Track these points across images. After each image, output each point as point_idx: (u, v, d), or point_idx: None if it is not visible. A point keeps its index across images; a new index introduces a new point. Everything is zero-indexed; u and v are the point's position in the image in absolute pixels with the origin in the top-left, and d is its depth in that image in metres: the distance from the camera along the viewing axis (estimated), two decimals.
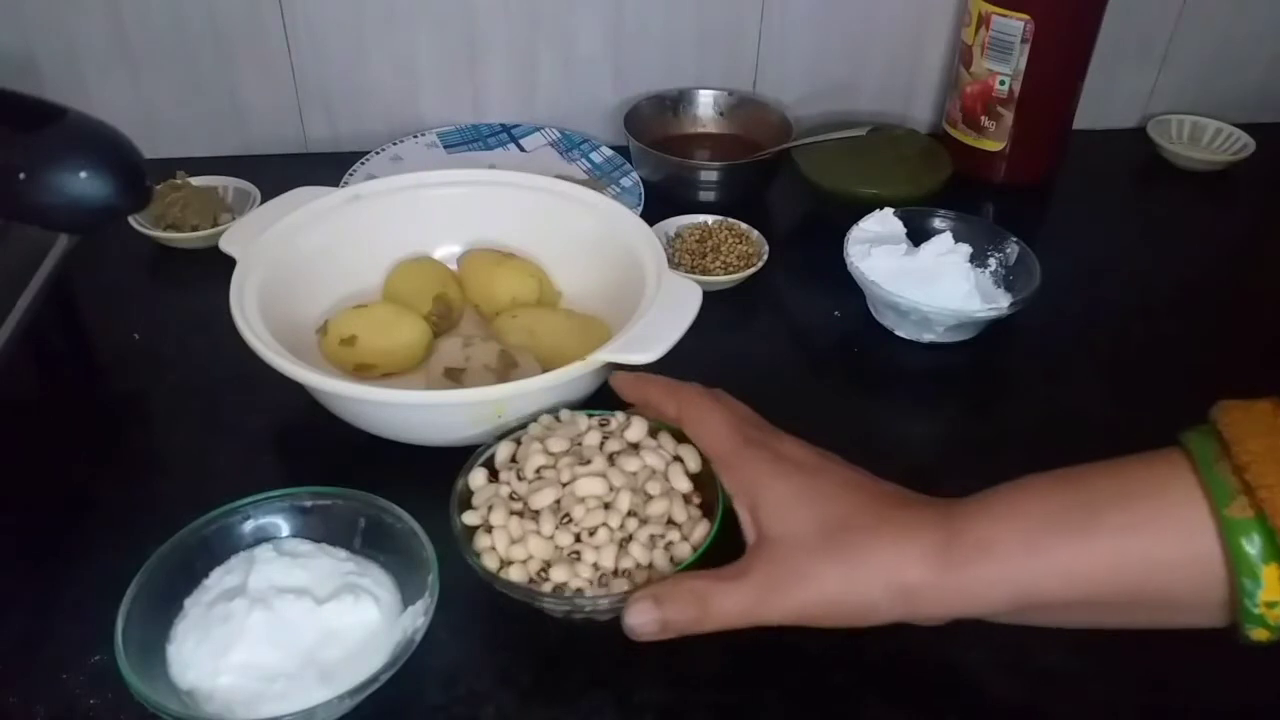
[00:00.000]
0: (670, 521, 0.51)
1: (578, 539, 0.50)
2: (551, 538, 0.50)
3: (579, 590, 0.49)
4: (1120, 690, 0.50)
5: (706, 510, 0.52)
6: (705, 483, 0.53)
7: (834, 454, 0.50)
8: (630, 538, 0.50)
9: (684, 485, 0.52)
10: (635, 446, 0.54)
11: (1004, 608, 0.43)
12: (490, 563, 0.50)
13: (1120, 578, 0.41)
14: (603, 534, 0.50)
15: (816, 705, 0.49)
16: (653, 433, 0.54)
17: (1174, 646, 0.52)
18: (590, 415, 0.56)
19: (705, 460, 0.53)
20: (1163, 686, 0.51)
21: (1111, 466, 0.43)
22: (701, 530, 0.51)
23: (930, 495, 0.48)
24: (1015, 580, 0.42)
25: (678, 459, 0.53)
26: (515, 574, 0.49)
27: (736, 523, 0.49)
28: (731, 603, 0.45)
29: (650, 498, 0.51)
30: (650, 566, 0.50)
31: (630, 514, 0.51)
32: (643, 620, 0.46)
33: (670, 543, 0.50)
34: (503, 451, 0.55)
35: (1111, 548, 0.41)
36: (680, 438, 0.54)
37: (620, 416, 0.55)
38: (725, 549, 0.48)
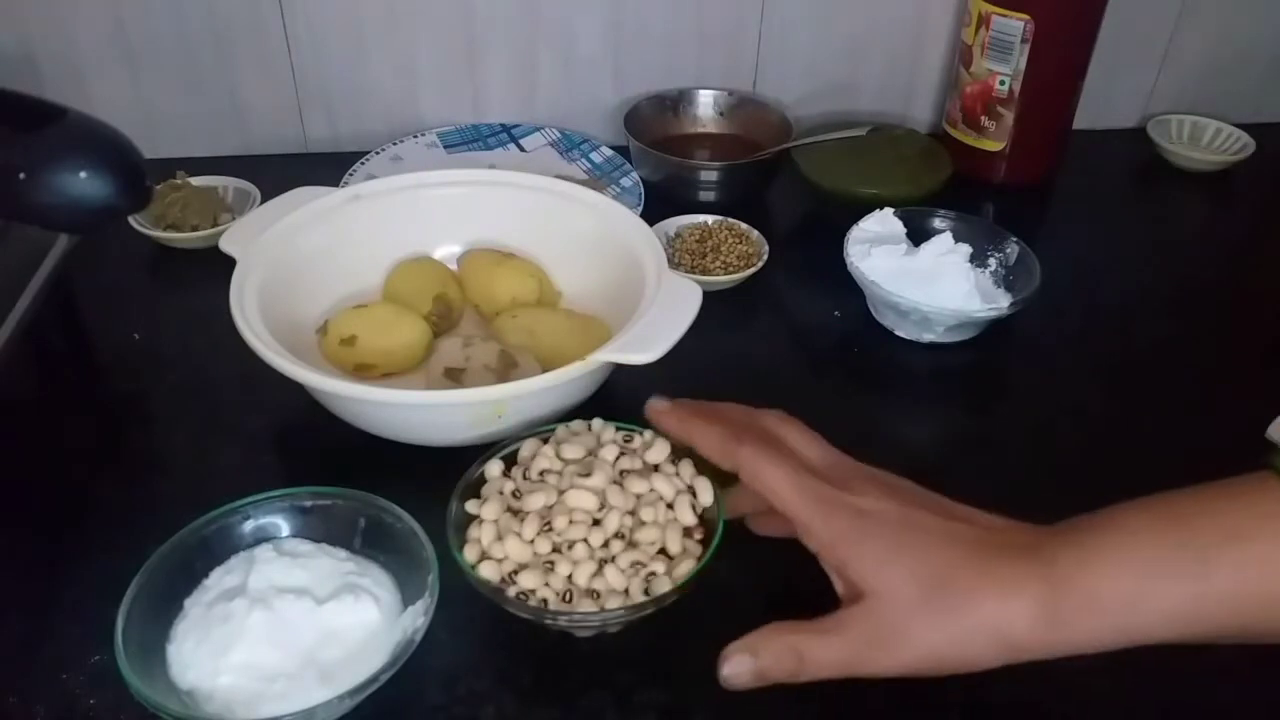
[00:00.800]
0: (662, 551, 0.50)
1: (556, 550, 0.50)
2: (531, 543, 0.50)
3: (544, 601, 0.48)
4: (1121, 689, 0.50)
5: (707, 546, 0.51)
6: (711, 518, 0.52)
7: (910, 486, 0.48)
8: (611, 560, 0.50)
9: (688, 518, 0.51)
10: (653, 468, 0.53)
11: (1109, 650, 0.42)
12: (472, 555, 0.50)
13: (1234, 617, 0.40)
14: (580, 549, 0.49)
15: (817, 705, 0.49)
16: (674, 457, 0.54)
17: (1172, 646, 0.52)
18: (619, 429, 0.55)
19: (717, 497, 0.52)
20: (1165, 684, 0.50)
21: (1208, 499, 0.42)
22: (687, 567, 0.49)
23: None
24: (1124, 630, 0.41)
25: (691, 490, 0.52)
26: (487, 571, 0.49)
27: (724, 560, 0.49)
28: (828, 657, 0.44)
29: (644, 524, 0.51)
30: (625, 593, 0.49)
31: (618, 536, 0.50)
32: (738, 672, 0.45)
33: (652, 574, 0.49)
34: (525, 448, 0.55)
35: (1226, 591, 0.40)
36: (700, 467, 0.53)
37: (647, 435, 0.54)
38: (715, 586, 0.49)
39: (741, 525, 0.53)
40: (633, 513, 0.51)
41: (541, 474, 0.52)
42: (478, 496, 0.53)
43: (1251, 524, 0.40)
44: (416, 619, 0.48)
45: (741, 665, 0.45)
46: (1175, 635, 0.41)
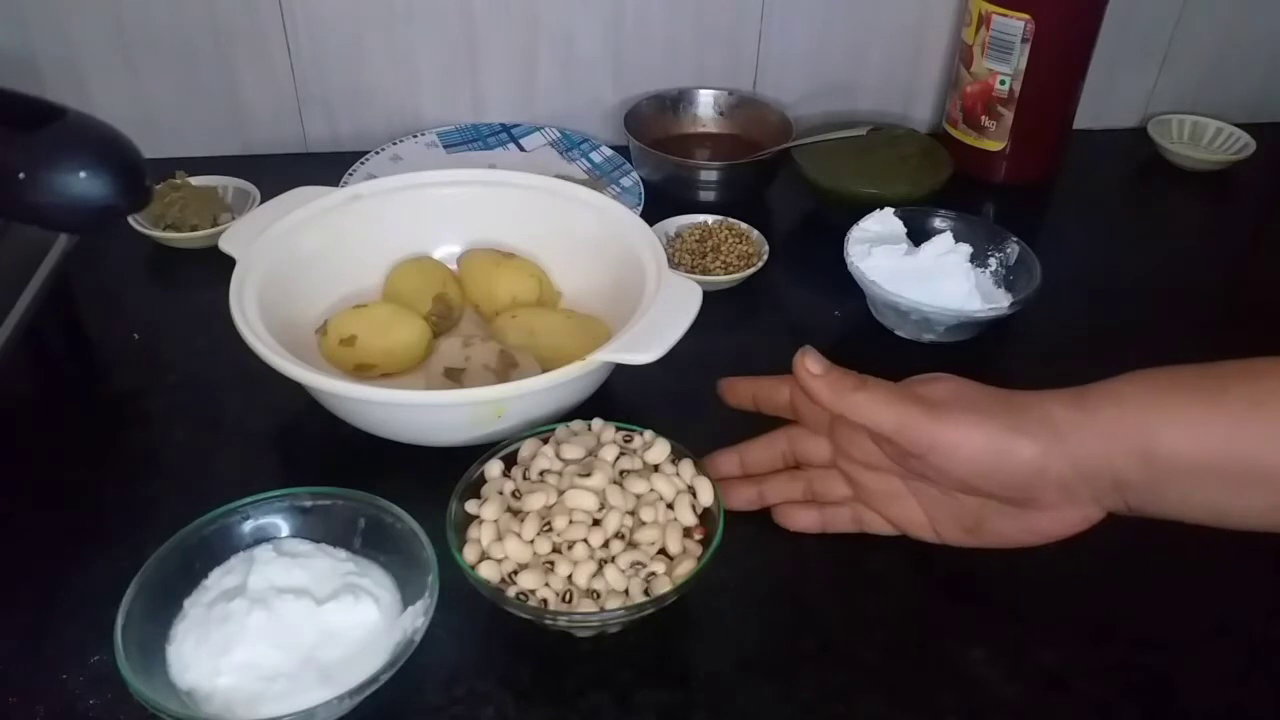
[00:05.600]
0: (662, 551, 0.50)
1: (556, 550, 0.50)
2: (531, 543, 0.49)
3: (544, 601, 0.48)
4: (1119, 690, 0.50)
5: (707, 546, 0.50)
6: (712, 518, 0.52)
7: None
8: (611, 560, 0.50)
9: (688, 518, 0.51)
10: (653, 468, 0.53)
11: (1133, 457, 0.45)
12: (471, 555, 0.50)
13: (1241, 442, 0.43)
14: (580, 550, 0.49)
15: (817, 705, 0.49)
16: (674, 457, 0.54)
17: (1172, 647, 0.52)
18: (619, 429, 0.55)
19: (716, 496, 0.52)
20: (1162, 687, 0.51)
21: (1235, 361, 0.46)
22: (687, 567, 0.49)
23: None
24: (1142, 425, 0.45)
25: (691, 490, 0.52)
26: (487, 571, 0.49)
27: (724, 560, 0.49)
28: (890, 394, 0.50)
29: (644, 524, 0.51)
30: (625, 593, 0.49)
31: (618, 536, 0.50)
32: (814, 364, 0.51)
33: (652, 574, 0.49)
34: (525, 449, 0.54)
35: (1236, 411, 0.44)
36: (700, 468, 0.53)
37: (647, 435, 0.54)
38: (715, 586, 0.48)
39: (741, 526, 0.53)
40: (633, 513, 0.51)
41: (541, 474, 0.52)
42: (478, 496, 0.53)
43: (1270, 368, 0.44)
44: (416, 619, 0.48)
45: (819, 358, 0.52)
46: (1190, 450, 0.44)
